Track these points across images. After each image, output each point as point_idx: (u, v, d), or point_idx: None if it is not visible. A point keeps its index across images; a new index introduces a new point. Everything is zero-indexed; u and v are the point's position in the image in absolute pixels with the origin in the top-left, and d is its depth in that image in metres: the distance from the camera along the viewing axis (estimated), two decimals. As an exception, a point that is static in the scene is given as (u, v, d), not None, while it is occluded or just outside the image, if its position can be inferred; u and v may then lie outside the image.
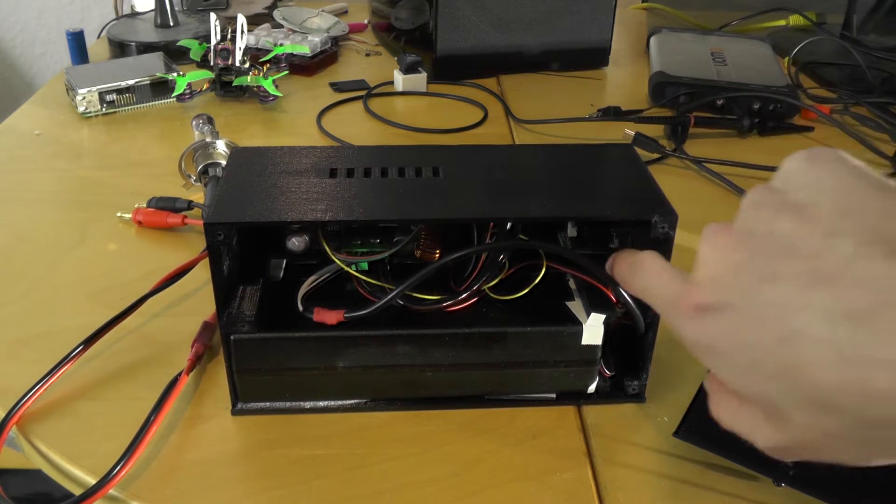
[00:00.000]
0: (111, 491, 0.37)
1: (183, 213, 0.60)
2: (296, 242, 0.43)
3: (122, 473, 0.38)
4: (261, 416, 0.43)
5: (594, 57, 0.97)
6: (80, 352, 0.44)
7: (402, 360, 0.41)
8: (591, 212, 0.41)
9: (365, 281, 0.43)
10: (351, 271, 0.43)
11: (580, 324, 0.41)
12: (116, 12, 1.14)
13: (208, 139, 0.64)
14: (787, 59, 0.94)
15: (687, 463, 0.40)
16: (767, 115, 0.80)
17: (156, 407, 0.41)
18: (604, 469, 0.40)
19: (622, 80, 0.96)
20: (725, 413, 0.29)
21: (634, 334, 0.42)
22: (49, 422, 0.42)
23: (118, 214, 0.61)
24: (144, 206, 0.60)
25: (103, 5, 1.31)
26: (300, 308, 0.42)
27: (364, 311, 0.40)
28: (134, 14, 1.04)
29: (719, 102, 0.80)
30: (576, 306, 0.42)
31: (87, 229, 0.60)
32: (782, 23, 1.12)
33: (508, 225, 0.42)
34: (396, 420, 0.43)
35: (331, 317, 0.40)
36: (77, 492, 0.38)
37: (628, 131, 0.74)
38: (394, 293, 0.40)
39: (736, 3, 1.16)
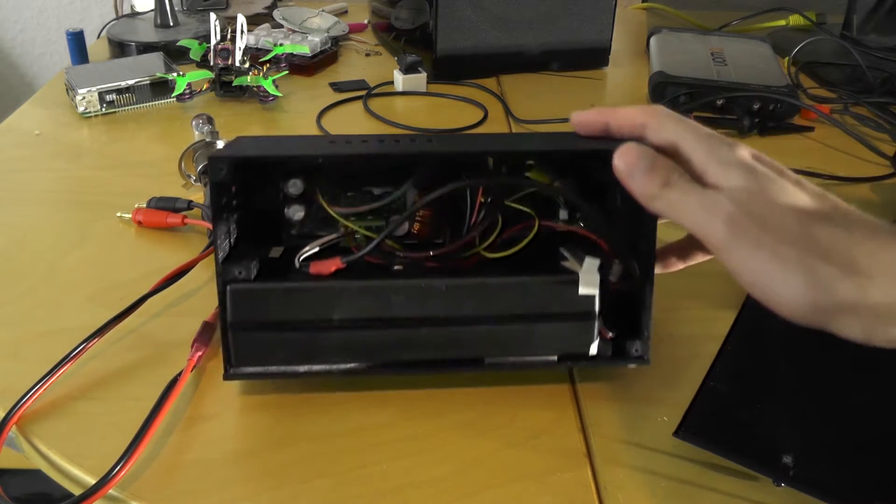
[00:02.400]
0: (111, 491, 0.37)
1: (183, 213, 0.60)
2: (295, 183, 0.45)
3: (122, 473, 0.38)
4: (256, 390, 0.42)
5: (594, 57, 0.97)
6: (80, 352, 0.44)
7: (398, 311, 0.41)
8: (577, 146, 0.42)
9: (361, 234, 0.44)
10: (347, 223, 0.44)
11: (576, 272, 0.41)
12: (116, 12, 1.14)
13: (208, 139, 0.65)
14: (787, 59, 0.94)
15: (687, 463, 0.40)
16: (767, 115, 0.80)
17: (156, 407, 0.41)
18: (604, 469, 0.40)
19: (622, 80, 0.96)
20: None
21: (633, 301, 0.42)
22: (49, 422, 0.42)
23: (118, 214, 0.61)
24: (144, 206, 0.60)
25: (103, 5, 1.31)
26: (297, 266, 0.42)
27: (360, 254, 0.41)
28: (134, 14, 1.04)
29: (719, 102, 0.80)
30: (570, 265, 0.43)
31: (87, 229, 0.60)
32: (782, 23, 1.12)
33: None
34: (396, 420, 0.43)
35: (327, 266, 0.41)
36: (77, 492, 0.38)
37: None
38: (389, 228, 0.42)
39: (736, 3, 1.16)
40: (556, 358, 0.43)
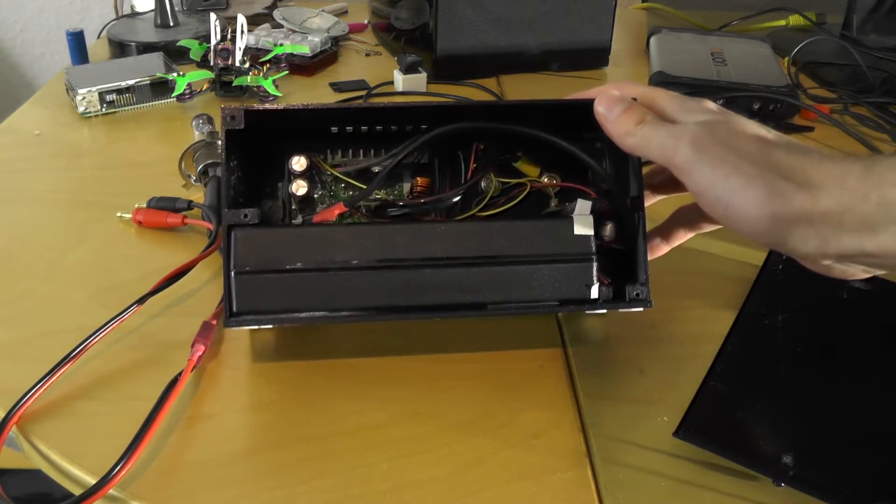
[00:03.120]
0: (111, 491, 0.37)
1: (183, 213, 0.60)
2: (298, 160, 0.46)
3: (122, 473, 0.38)
4: (256, 332, 0.44)
5: (594, 57, 0.97)
6: (80, 352, 0.44)
7: (400, 252, 0.42)
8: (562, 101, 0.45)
9: (355, 186, 0.46)
10: (341, 176, 0.45)
11: (569, 215, 0.43)
12: (116, 12, 1.14)
13: (208, 139, 0.65)
14: (787, 59, 0.94)
15: (687, 463, 0.40)
16: (767, 115, 0.80)
17: (156, 407, 0.41)
18: (604, 469, 0.40)
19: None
20: None
21: (627, 258, 0.44)
22: (49, 422, 0.42)
23: (118, 214, 0.61)
24: (144, 206, 0.60)
25: (103, 5, 1.31)
26: (300, 222, 0.45)
27: (362, 194, 0.43)
28: (134, 14, 1.04)
29: (719, 102, 0.80)
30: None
31: (87, 229, 0.60)
32: (782, 23, 1.12)
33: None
34: (396, 420, 0.43)
35: (330, 212, 0.43)
36: (77, 492, 0.38)
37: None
38: (389, 165, 0.45)
39: (736, 3, 1.16)
40: (558, 302, 0.43)
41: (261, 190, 0.46)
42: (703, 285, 0.54)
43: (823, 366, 0.46)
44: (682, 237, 0.47)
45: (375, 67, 0.96)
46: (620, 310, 0.44)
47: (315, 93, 0.88)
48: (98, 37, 1.05)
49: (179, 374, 0.43)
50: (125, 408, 0.42)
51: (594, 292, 0.43)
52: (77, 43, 0.90)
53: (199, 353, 0.45)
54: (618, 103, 0.41)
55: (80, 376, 0.45)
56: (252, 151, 0.45)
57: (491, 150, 0.47)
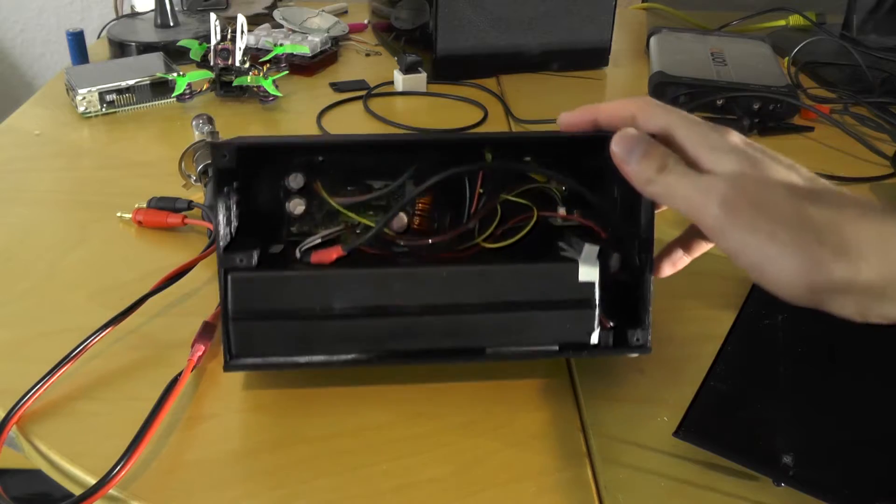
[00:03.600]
0: (111, 491, 0.37)
1: (183, 213, 0.60)
2: (296, 177, 0.45)
3: (122, 473, 0.38)
4: (257, 380, 0.42)
5: (594, 57, 0.97)
6: (80, 352, 0.44)
7: (399, 299, 0.41)
8: (575, 134, 0.44)
9: (363, 222, 0.45)
10: (347, 213, 0.44)
11: (576, 260, 0.42)
12: (116, 12, 1.14)
13: (208, 139, 0.64)
14: (787, 59, 0.94)
15: (687, 463, 0.40)
16: (767, 115, 0.80)
17: (156, 407, 0.41)
18: (604, 469, 0.40)
19: (622, 80, 0.96)
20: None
21: (632, 291, 0.43)
22: (49, 422, 0.42)
23: (118, 214, 0.61)
24: (144, 206, 0.60)
25: (103, 5, 1.31)
26: (298, 257, 0.43)
27: (360, 240, 0.42)
28: (134, 14, 1.04)
29: (719, 102, 0.80)
30: (570, 255, 0.43)
31: (87, 229, 0.60)
32: (782, 23, 1.12)
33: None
34: (396, 420, 0.43)
35: (328, 254, 0.41)
36: (77, 492, 0.38)
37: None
38: (389, 214, 0.43)
39: (736, 3, 1.16)
40: (557, 347, 0.43)
41: (259, 195, 0.46)
42: (703, 285, 0.54)
43: (823, 366, 0.46)
44: (704, 248, 0.45)
45: (375, 67, 0.96)
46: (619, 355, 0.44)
47: (315, 93, 0.88)
48: (98, 37, 1.05)
49: (179, 374, 0.43)
50: (125, 408, 0.42)
51: (594, 339, 0.43)
52: (77, 43, 0.90)
53: (199, 353, 0.45)
54: (636, 145, 0.38)
55: (80, 376, 0.45)
56: (246, 179, 0.44)
57: (498, 161, 0.45)
